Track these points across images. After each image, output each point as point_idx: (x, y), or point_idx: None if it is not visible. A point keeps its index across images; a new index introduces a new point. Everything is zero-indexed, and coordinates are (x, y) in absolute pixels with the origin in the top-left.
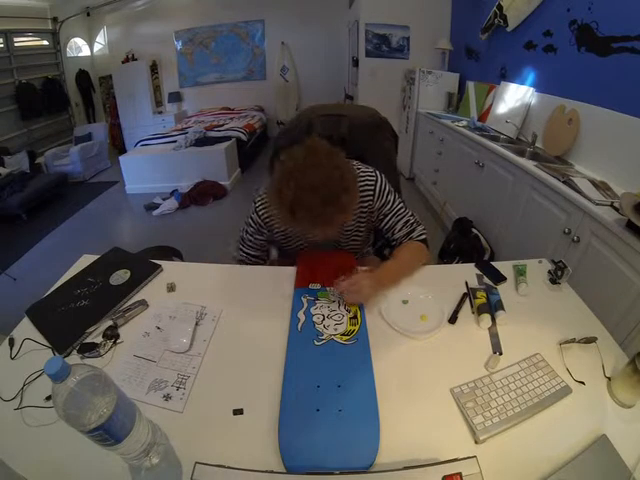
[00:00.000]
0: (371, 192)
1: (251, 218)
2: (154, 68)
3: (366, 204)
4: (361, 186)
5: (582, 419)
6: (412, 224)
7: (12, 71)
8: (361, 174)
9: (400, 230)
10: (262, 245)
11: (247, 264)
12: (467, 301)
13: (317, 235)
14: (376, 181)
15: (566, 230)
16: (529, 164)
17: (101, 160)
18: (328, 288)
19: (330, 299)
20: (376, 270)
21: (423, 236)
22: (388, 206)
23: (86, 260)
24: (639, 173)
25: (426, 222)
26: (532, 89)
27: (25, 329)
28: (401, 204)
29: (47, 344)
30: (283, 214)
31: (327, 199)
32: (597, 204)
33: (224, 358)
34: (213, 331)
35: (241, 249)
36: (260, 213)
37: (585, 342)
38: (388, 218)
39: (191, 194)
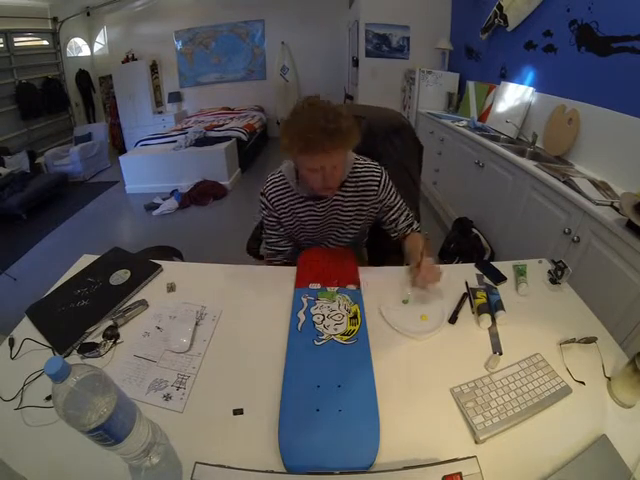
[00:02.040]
0: (377, 183)
1: (262, 203)
2: (154, 68)
3: (371, 194)
4: (367, 177)
5: (582, 419)
6: (411, 217)
7: (12, 71)
8: (367, 165)
9: (403, 222)
10: (281, 232)
11: (274, 263)
12: (467, 301)
13: (322, 163)
14: (381, 174)
15: (566, 230)
16: (529, 164)
17: (101, 160)
18: (328, 288)
19: (331, 299)
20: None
21: (419, 229)
22: (392, 198)
23: (86, 260)
24: (639, 173)
25: (426, 222)
26: (532, 89)
27: (25, 329)
28: (401, 198)
29: (47, 344)
30: (293, 139)
31: (329, 117)
32: (597, 204)
33: (224, 358)
34: (213, 331)
35: (266, 247)
36: (268, 195)
37: (585, 342)
38: (393, 211)
39: (191, 194)
